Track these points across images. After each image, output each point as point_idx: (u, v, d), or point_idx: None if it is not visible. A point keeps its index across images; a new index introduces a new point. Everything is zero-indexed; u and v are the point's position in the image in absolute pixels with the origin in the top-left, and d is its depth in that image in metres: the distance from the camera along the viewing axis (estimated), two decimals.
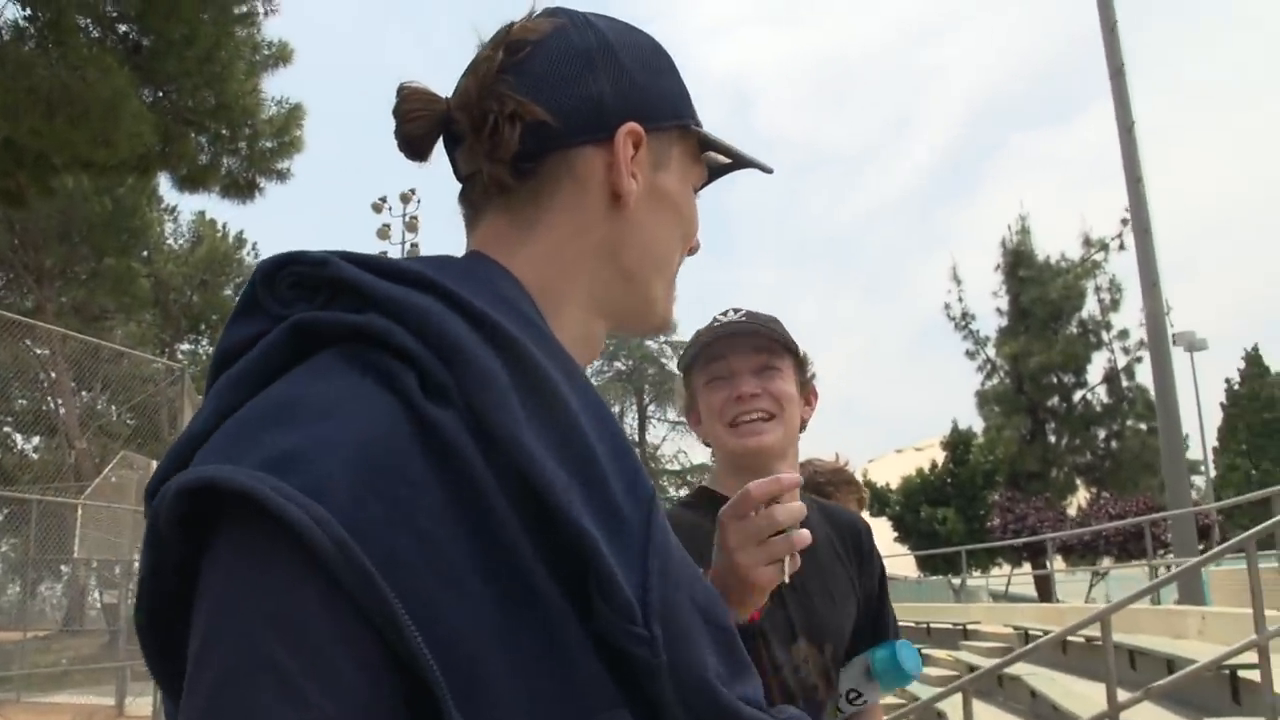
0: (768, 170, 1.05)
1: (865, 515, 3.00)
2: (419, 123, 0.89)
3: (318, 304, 0.74)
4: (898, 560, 24.86)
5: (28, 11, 7.07)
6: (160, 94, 8.37)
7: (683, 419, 1.91)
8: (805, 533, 1.32)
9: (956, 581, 22.34)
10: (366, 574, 0.59)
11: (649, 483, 0.76)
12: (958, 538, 23.37)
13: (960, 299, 27.62)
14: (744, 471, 1.71)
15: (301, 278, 0.76)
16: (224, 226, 30.90)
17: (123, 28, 8.20)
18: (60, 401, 23.05)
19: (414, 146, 0.91)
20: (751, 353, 1.81)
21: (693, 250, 1.00)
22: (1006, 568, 23.60)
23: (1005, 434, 26.20)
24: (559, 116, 0.85)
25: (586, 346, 0.91)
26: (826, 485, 2.91)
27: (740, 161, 1.03)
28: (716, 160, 1.02)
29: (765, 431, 1.77)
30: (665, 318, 0.97)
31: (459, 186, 0.94)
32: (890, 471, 28.72)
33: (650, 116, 0.90)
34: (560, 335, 0.81)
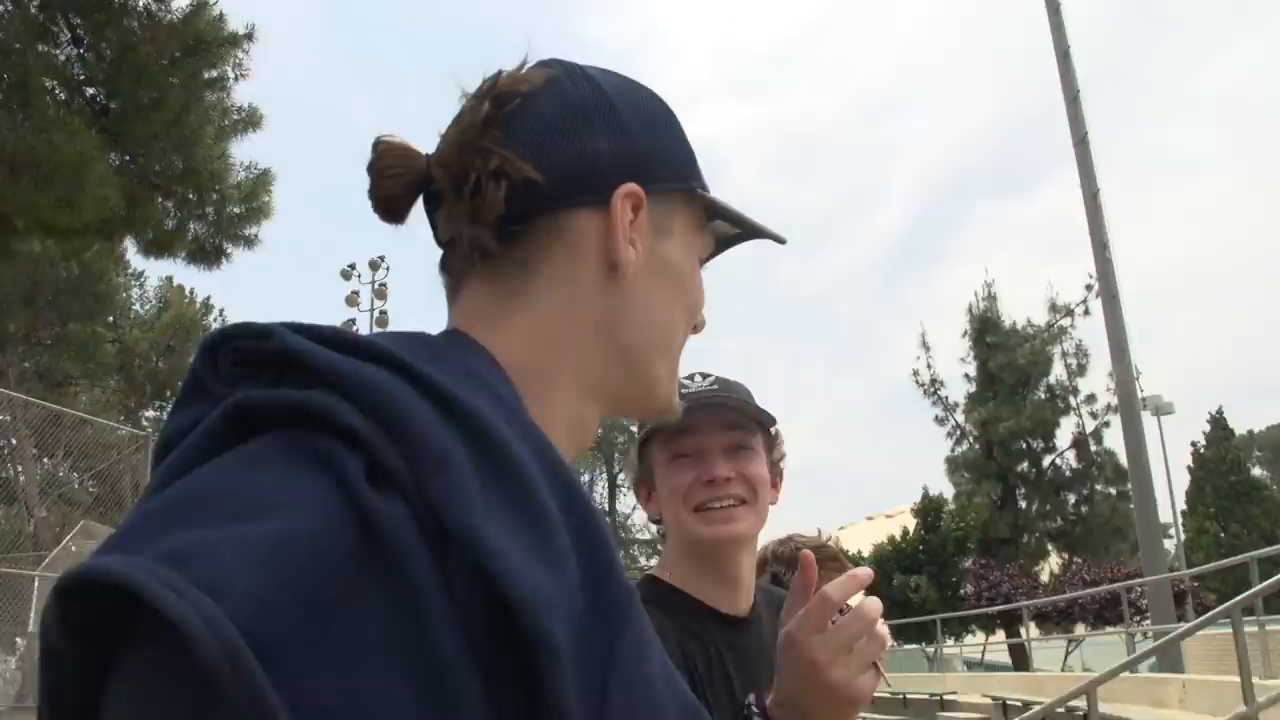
0: (780, 241, 0.97)
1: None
2: (395, 181, 0.80)
3: (264, 382, 0.65)
4: None
5: None
6: (127, 157, 8.28)
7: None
8: (884, 627, 1.19)
9: (931, 650, 22.18)
10: (256, 691, 0.47)
11: (627, 582, 0.65)
12: (931, 605, 23.38)
13: (929, 365, 28.03)
14: (705, 561, 1.57)
15: (246, 353, 0.66)
16: (191, 292, 30.67)
17: (90, 90, 8.14)
18: (21, 468, 22.62)
19: (390, 207, 0.82)
20: (723, 429, 1.60)
21: (697, 328, 0.91)
22: (981, 635, 23.51)
23: (976, 500, 26.39)
24: (550, 175, 0.77)
25: (577, 432, 0.82)
26: None
27: (750, 231, 0.95)
28: (723, 230, 0.94)
29: (738, 519, 1.56)
30: (668, 401, 0.88)
31: (432, 252, 0.86)
32: (862, 539, 28.74)
33: (652, 178, 0.82)
34: (547, 419, 0.72)
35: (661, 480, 1.62)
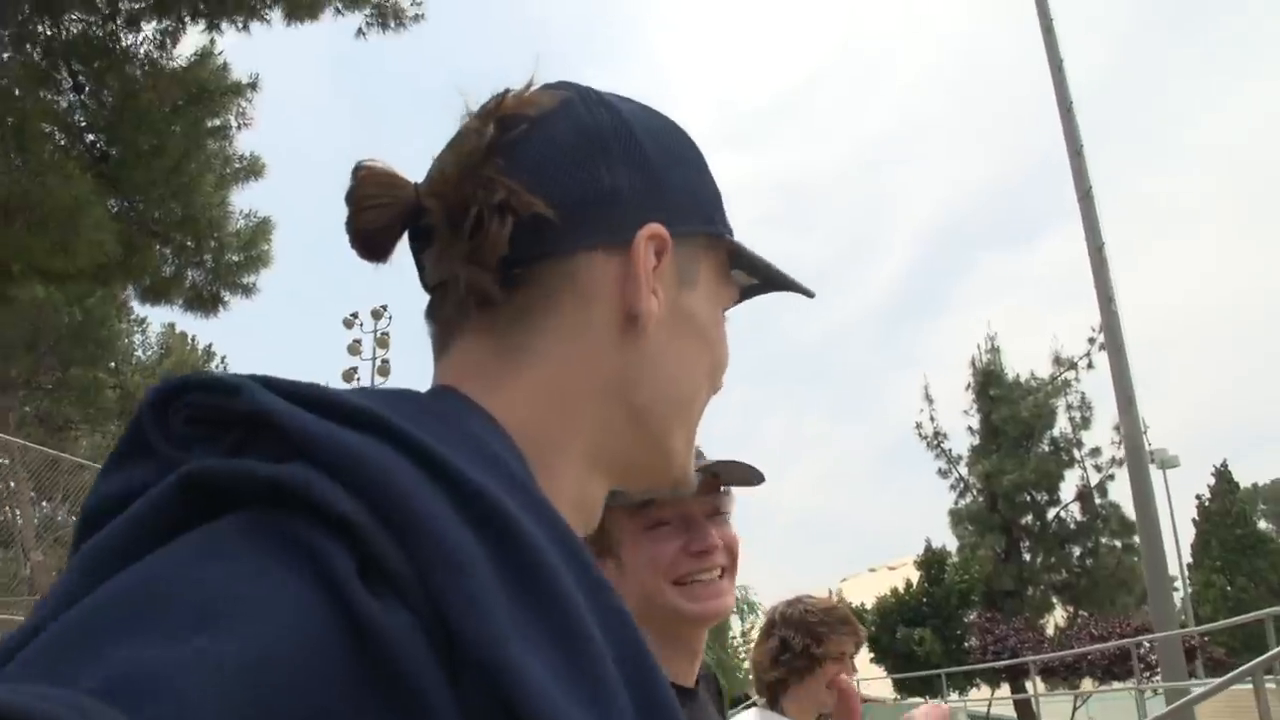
0: (809, 294, 0.87)
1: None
2: (379, 213, 0.70)
3: (226, 446, 0.52)
4: (874, 683, 24.39)
5: None
6: (126, 204, 8.24)
7: None
8: None
9: (934, 701, 21.83)
10: None
11: (673, 702, 0.54)
12: (935, 658, 23.09)
13: (932, 418, 27.77)
14: (674, 638, 1.40)
15: (205, 410, 0.54)
16: (193, 339, 30.65)
17: (90, 137, 8.12)
18: (19, 512, 22.56)
19: (370, 243, 0.71)
20: (705, 492, 1.45)
21: (716, 389, 0.80)
22: (986, 690, 23.21)
23: (980, 553, 26.09)
24: (563, 211, 0.67)
25: (582, 513, 0.72)
26: (819, 626, 2.58)
27: (776, 283, 0.85)
28: (742, 279, 0.83)
29: (725, 594, 1.43)
30: (685, 474, 0.78)
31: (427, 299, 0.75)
32: (865, 590, 28.48)
33: (677, 219, 0.72)
34: (553, 497, 0.61)
35: (633, 552, 1.43)
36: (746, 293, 0.86)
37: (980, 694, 23.65)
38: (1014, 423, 26.18)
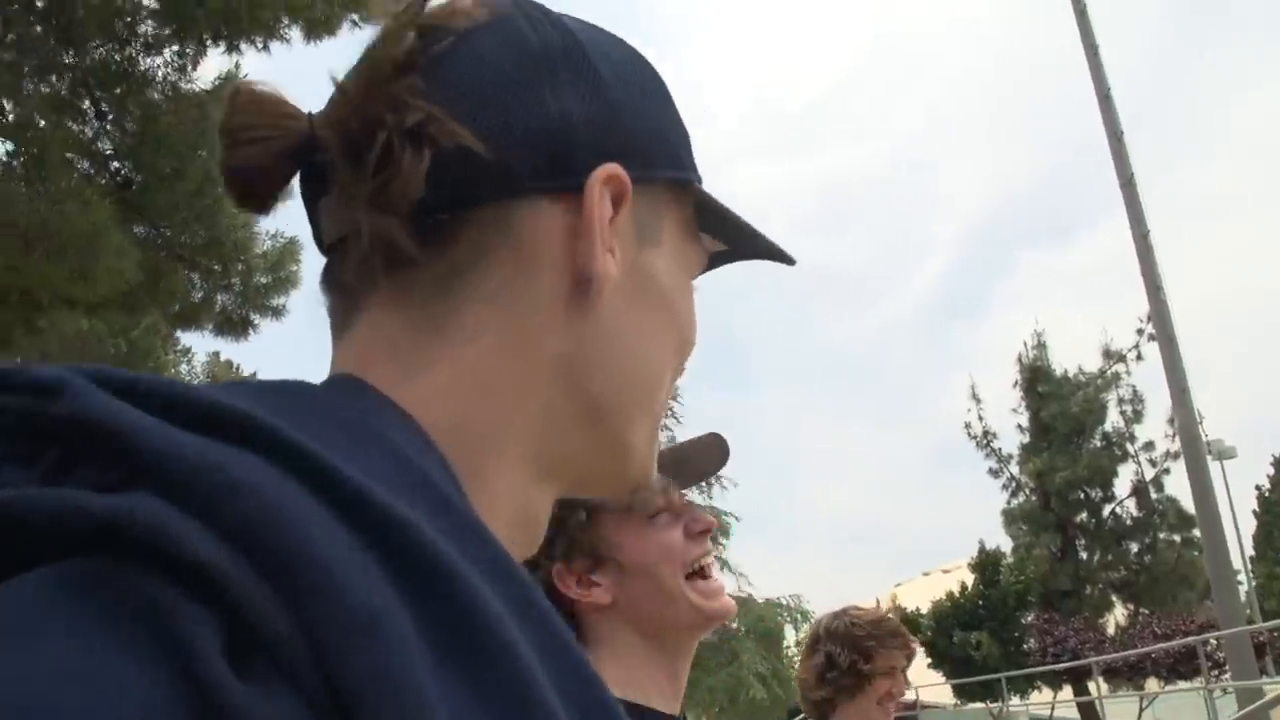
0: (789, 261, 0.72)
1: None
2: (258, 148, 0.54)
3: (44, 468, 0.37)
4: (933, 689, 24.06)
5: (10, 146, 6.96)
6: (153, 229, 8.22)
7: None
8: None
9: (996, 708, 21.55)
10: None
11: None
12: (994, 662, 22.75)
13: (980, 417, 27.51)
14: (673, 654, 1.27)
15: (15, 418, 0.38)
16: (237, 368, 31.05)
17: (115, 164, 8.10)
18: None
19: (247, 188, 0.56)
20: (688, 485, 1.34)
21: (680, 372, 0.67)
22: (1048, 693, 22.83)
23: (1035, 552, 25.73)
24: (497, 145, 0.53)
25: (525, 531, 0.58)
26: (866, 641, 2.37)
27: (751, 247, 0.70)
28: (712, 244, 0.69)
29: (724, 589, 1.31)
30: (645, 473, 0.64)
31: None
32: (920, 595, 28.16)
33: (639, 161, 0.58)
34: (488, 512, 0.48)
35: (639, 549, 1.28)
36: (715, 260, 0.71)
37: (1042, 697, 23.31)
38: (1064, 419, 25.82)
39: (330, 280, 0.59)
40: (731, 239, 0.68)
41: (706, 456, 1.35)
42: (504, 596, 0.41)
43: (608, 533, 1.30)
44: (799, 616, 27.81)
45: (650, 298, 0.60)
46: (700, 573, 1.28)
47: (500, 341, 0.54)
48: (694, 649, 1.30)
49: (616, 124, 0.58)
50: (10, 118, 7.30)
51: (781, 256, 0.71)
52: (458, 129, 0.52)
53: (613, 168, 0.56)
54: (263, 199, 0.57)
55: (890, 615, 2.51)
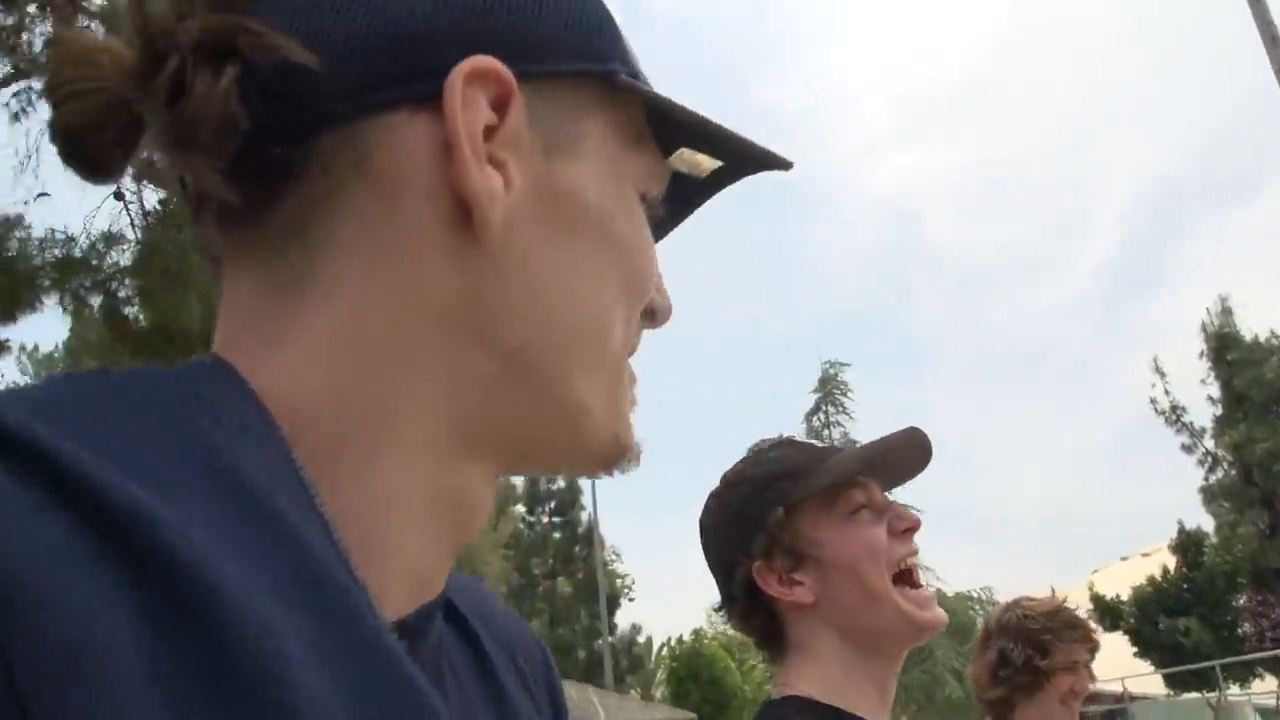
0: (785, 166, 0.58)
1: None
2: (81, 103, 0.45)
3: None
4: (1142, 680, 22.95)
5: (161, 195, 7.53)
6: None
7: None
8: None
9: (1214, 698, 20.41)
10: None
11: None
12: (1206, 649, 21.66)
13: (1167, 392, 26.50)
14: (881, 662, 1.22)
15: None
16: None
17: None
18: None
19: (80, 151, 0.46)
20: (890, 487, 1.31)
21: (653, 314, 0.56)
22: (1271, 680, 21.48)
23: (1241, 530, 24.56)
24: (330, 51, 0.44)
25: (452, 515, 0.48)
26: (1042, 634, 2.17)
27: (730, 154, 0.57)
28: (694, 164, 0.57)
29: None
30: (611, 437, 0.53)
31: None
32: (1119, 581, 27.00)
33: (532, 51, 0.48)
34: (379, 502, 0.43)
35: (840, 546, 1.23)
36: (700, 187, 0.60)
37: (1265, 686, 21.91)
38: (1259, 386, 24.60)
39: (198, 244, 0.51)
40: (701, 146, 0.56)
41: (906, 453, 1.30)
42: (302, 607, 0.36)
43: (808, 530, 1.24)
44: (991, 610, 27.05)
45: (573, 222, 0.50)
46: (907, 575, 1.23)
47: (369, 295, 0.45)
48: (902, 659, 1.25)
49: (493, 7, 0.47)
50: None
51: (773, 161, 0.58)
52: (272, 37, 0.42)
53: (481, 60, 0.45)
54: (102, 164, 0.47)
55: (1065, 605, 2.30)
